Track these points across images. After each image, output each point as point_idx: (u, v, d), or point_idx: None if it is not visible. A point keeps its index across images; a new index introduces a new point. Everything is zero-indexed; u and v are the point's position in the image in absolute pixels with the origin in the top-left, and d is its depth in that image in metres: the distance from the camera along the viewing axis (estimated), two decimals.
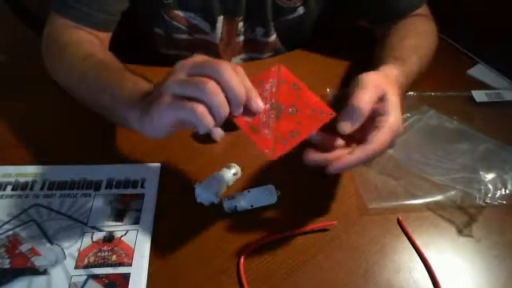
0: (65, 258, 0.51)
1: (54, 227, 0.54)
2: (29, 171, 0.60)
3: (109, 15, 0.68)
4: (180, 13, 0.75)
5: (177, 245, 0.53)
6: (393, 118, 0.50)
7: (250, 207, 0.56)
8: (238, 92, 0.43)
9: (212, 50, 0.80)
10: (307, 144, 0.50)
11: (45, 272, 0.50)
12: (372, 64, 0.63)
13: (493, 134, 0.67)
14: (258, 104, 0.46)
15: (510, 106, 0.73)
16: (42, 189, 0.58)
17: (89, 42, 0.65)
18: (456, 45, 0.85)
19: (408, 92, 0.67)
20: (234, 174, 0.59)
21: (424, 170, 0.61)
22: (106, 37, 0.69)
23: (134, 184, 0.59)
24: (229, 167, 0.59)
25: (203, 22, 0.76)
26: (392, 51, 0.65)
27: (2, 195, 0.57)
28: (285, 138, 0.47)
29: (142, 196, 0.58)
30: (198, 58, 0.45)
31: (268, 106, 0.49)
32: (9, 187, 0.58)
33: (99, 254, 0.52)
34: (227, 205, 0.56)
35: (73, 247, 0.52)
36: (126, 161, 0.62)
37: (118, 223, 0.55)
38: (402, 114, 0.53)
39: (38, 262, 0.51)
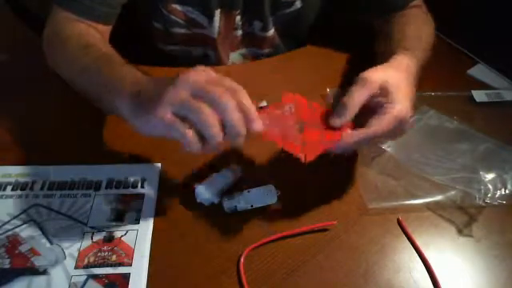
0: (65, 258, 0.51)
1: (54, 227, 0.54)
2: (29, 171, 0.60)
3: (110, 8, 0.68)
4: (178, 7, 0.75)
5: (177, 245, 0.53)
6: (398, 105, 0.52)
7: (249, 207, 0.56)
8: (238, 129, 0.45)
9: (210, 45, 0.80)
10: None
11: (45, 272, 0.50)
12: (379, 57, 0.65)
13: (493, 134, 0.67)
14: (258, 125, 0.47)
15: (510, 106, 0.73)
16: (41, 189, 0.58)
17: (90, 35, 0.65)
18: (456, 45, 0.85)
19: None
20: (234, 174, 0.59)
21: (424, 170, 0.61)
22: (107, 30, 0.70)
23: (134, 184, 0.59)
24: (229, 167, 0.59)
25: (201, 15, 0.77)
26: (400, 42, 0.68)
27: (2, 195, 0.57)
28: (312, 144, 0.52)
29: (141, 196, 0.58)
30: (200, 73, 0.46)
31: (291, 123, 0.54)
32: (9, 187, 0.58)
33: (99, 254, 0.52)
34: (227, 205, 0.56)
35: (73, 247, 0.52)
36: (126, 161, 0.62)
37: (117, 223, 0.55)
38: (413, 103, 0.56)
39: (38, 261, 0.51)
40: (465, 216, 0.58)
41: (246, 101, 0.46)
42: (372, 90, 0.53)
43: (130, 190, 0.58)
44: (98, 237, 0.53)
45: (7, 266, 0.50)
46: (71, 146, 0.64)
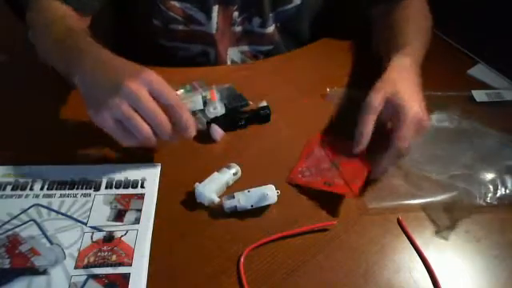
0: (65, 257, 0.51)
1: (54, 227, 0.54)
2: (29, 171, 0.60)
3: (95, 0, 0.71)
4: (176, 3, 0.76)
5: (177, 245, 0.53)
6: (408, 113, 0.58)
7: (249, 207, 0.56)
8: (165, 136, 0.54)
9: (209, 42, 0.81)
10: None
11: (45, 272, 0.50)
12: (382, 49, 0.70)
13: (493, 134, 0.66)
14: (191, 134, 0.56)
15: (511, 106, 0.73)
16: (41, 189, 0.58)
17: (71, 16, 0.68)
18: (456, 45, 0.85)
19: None
20: (234, 174, 0.59)
21: (424, 170, 0.61)
22: (87, 21, 0.72)
23: (134, 184, 0.59)
24: (229, 167, 0.59)
25: (199, 12, 0.77)
26: (401, 37, 0.71)
27: (2, 195, 0.57)
28: (353, 178, 0.58)
29: (141, 196, 0.58)
30: (142, 90, 0.52)
31: (326, 165, 0.61)
32: (9, 187, 0.58)
33: (99, 253, 0.51)
34: (227, 205, 0.56)
35: (73, 247, 0.52)
36: (125, 161, 0.62)
37: (117, 223, 0.55)
38: (420, 98, 0.61)
39: (38, 261, 0.51)
40: (465, 216, 0.58)
41: (181, 113, 0.54)
42: (377, 112, 0.59)
43: (130, 190, 0.58)
44: (98, 237, 0.53)
45: (7, 266, 0.50)
46: (71, 145, 0.64)
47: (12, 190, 0.58)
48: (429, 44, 0.74)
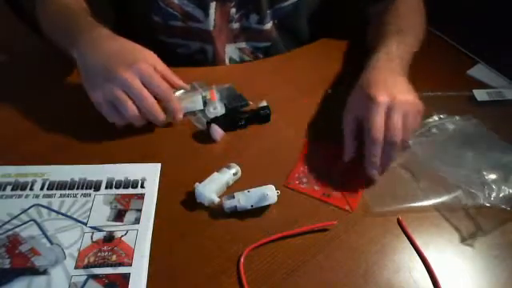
0: (65, 257, 0.51)
1: (54, 227, 0.54)
2: (29, 171, 0.60)
3: None
4: (175, 0, 0.76)
5: (177, 245, 0.53)
6: (373, 100, 0.59)
7: (249, 207, 0.56)
8: (153, 118, 0.62)
9: (207, 39, 0.81)
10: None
11: (45, 272, 0.50)
12: (374, 43, 0.72)
13: (495, 133, 0.66)
14: (178, 117, 0.64)
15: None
16: (41, 189, 0.58)
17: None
18: (456, 45, 0.85)
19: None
20: (234, 174, 0.59)
21: (426, 171, 0.61)
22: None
23: (134, 184, 0.59)
24: (229, 167, 0.59)
25: (196, 9, 0.77)
26: (393, 26, 0.74)
27: (2, 195, 0.57)
28: (351, 192, 0.60)
29: (141, 196, 0.58)
30: (134, 79, 0.59)
31: (323, 173, 0.62)
32: (9, 187, 0.58)
33: (99, 253, 0.52)
34: (227, 205, 0.56)
35: (73, 247, 0.52)
36: (125, 161, 0.62)
37: (117, 223, 0.55)
38: (406, 85, 0.63)
39: (38, 261, 0.51)
40: (466, 216, 0.58)
41: (169, 97, 0.62)
42: (353, 123, 0.61)
43: (130, 190, 0.58)
44: (98, 237, 0.53)
45: (7, 266, 0.50)
46: (72, 145, 0.64)
47: (12, 190, 0.58)
48: (422, 35, 0.76)
